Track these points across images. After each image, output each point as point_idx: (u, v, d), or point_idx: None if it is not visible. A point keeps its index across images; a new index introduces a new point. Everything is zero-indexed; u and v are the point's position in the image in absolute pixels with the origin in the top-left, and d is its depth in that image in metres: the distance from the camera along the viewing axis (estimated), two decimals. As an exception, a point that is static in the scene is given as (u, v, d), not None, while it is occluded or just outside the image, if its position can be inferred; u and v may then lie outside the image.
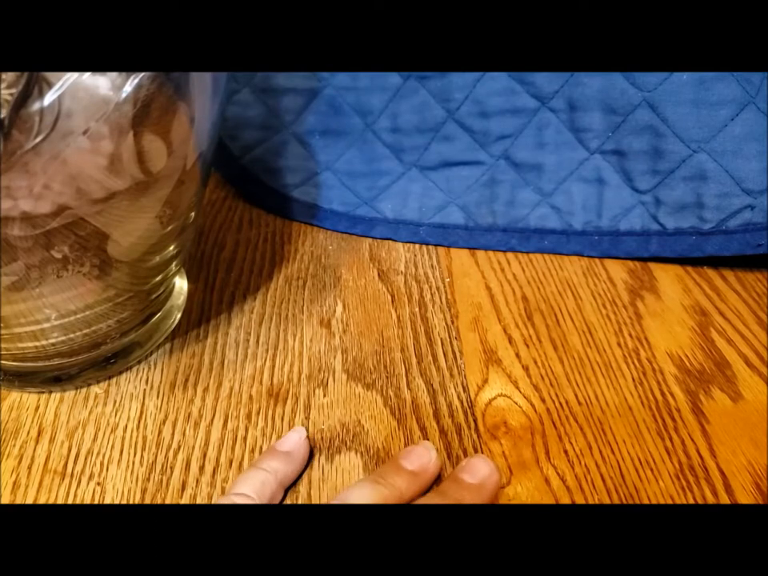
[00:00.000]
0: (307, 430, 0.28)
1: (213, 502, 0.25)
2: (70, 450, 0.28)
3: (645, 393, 0.30)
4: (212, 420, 0.29)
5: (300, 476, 0.27)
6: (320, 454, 0.28)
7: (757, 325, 0.34)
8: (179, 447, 0.28)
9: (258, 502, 0.24)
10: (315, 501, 0.26)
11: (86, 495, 0.26)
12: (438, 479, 0.27)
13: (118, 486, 0.26)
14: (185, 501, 0.26)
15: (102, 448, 0.28)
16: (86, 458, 0.27)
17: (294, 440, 0.27)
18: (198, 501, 0.26)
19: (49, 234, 0.23)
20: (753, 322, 0.34)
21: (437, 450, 0.27)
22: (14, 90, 0.18)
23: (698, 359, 0.32)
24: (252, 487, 0.24)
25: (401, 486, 0.25)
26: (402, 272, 0.38)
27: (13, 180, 0.20)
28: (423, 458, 0.26)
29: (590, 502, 0.26)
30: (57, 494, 0.26)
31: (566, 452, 0.28)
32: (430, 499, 0.25)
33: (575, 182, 0.39)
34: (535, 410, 0.30)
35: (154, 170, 0.24)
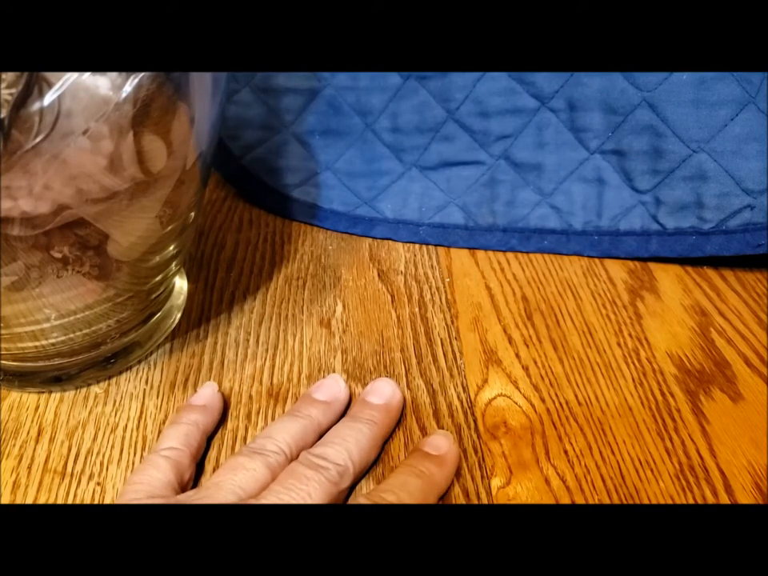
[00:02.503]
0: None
1: (142, 460, 0.26)
2: (69, 450, 0.28)
3: (645, 393, 0.30)
4: (212, 420, 0.29)
5: (218, 427, 0.29)
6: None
7: (757, 325, 0.34)
8: (179, 447, 0.28)
9: (186, 451, 0.26)
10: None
11: (85, 495, 0.26)
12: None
13: (117, 486, 0.26)
14: (185, 501, 0.26)
15: (102, 448, 0.28)
16: (85, 458, 0.27)
17: (208, 394, 0.29)
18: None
19: (49, 233, 0.23)
20: (753, 321, 0.34)
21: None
22: (13, 90, 0.18)
23: (697, 359, 0.32)
24: (177, 440, 0.26)
25: (317, 415, 0.27)
26: (401, 272, 0.38)
27: (13, 180, 0.20)
28: (333, 388, 0.29)
29: (590, 502, 0.26)
30: (57, 494, 0.26)
31: (566, 452, 0.28)
32: (344, 423, 0.27)
33: (575, 181, 0.39)
34: (535, 410, 0.30)
35: (153, 170, 0.24)
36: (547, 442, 0.28)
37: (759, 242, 0.35)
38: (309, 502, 0.23)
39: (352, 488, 0.26)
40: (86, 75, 0.20)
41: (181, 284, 0.36)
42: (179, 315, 0.35)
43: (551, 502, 0.26)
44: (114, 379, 0.31)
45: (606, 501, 0.26)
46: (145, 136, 0.23)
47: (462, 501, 0.26)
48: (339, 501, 0.25)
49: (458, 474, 0.27)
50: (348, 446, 0.25)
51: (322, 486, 0.23)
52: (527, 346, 0.33)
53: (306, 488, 0.23)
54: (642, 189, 0.37)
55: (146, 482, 0.24)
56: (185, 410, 0.28)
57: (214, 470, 0.27)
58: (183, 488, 0.25)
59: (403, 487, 0.24)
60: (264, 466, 0.24)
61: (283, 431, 0.26)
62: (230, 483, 0.24)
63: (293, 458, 0.25)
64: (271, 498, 0.23)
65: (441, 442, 0.27)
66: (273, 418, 0.29)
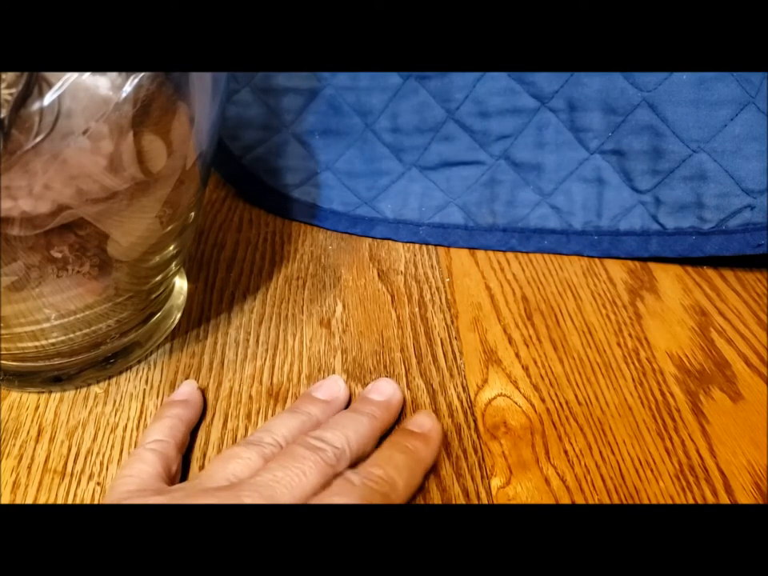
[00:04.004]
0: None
1: (129, 454, 0.26)
2: (69, 450, 0.28)
3: (645, 393, 0.30)
4: (212, 420, 0.29)
5: (199, 422, 0.29)
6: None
7: (757, 325, 0.34)
8: (179, 447, 0.28)
9: (171, 443, 0.26)
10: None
11: (85, 495, 0.26)
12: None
13: (117, 486, 0.26)
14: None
15: (101, 448, 0.28)
16: (85, 458, 0.27)
17: (188, 390, 0.30)
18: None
19: (49, 233, 0.23)
20: (753, 322, 0.34)
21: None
22: (13, 90, 0.18)
23: (698, 359, 0.32)
24: (162, 433, 0.26)
25: (316, 413, 0.27)
26: (402, 272, 0.38)
27: (13, 180, 0.20)
28: (333, 388, 0.29)
29: (590, 502, 0.26)
30: (57, 494, 0.26)
31: (566, 452, 0.28)
32: (344, 414, 0.27)
33: (575, 181, 0.39)
34: (535, 410, 0.30)
35: (153, 170, 0.24)
36: (547, 442, 0.28)
37: (759, 242, 0.35)
38: (303, 479, 0.23)
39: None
40: (86, 75, 0.20)
41: (181, 284, 0.36)
42: (179, 315, 0.35)
43: (551, 501, 0.26)
44: (114, 379, 0.31)
45: (606, 501, 0.26)
46: (145, 136, 0.23)
47: (462, 501, 0.26)
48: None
49: (458, 474, 0.27)
50: (346, 432, 0.25)
51: (317, 466, 0.23)
52: (527, 346, 0.33)
53: (301, 466, 0.23)
54: (641, 189, 0.37)
55: (136, 474, 0.24)
56: (166, 406, 0.28)
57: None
58: (171, 479, 0.25)
59: (389, 461, 0.24)
60: (258, 455, 0.24)
61: (282, 426, 0.26)
62: (222, 472, 0.24)
63: None
64: (266, 474, 0.23)
65: (424, 421, 0.27)
66: (273, 418, 0.29)
